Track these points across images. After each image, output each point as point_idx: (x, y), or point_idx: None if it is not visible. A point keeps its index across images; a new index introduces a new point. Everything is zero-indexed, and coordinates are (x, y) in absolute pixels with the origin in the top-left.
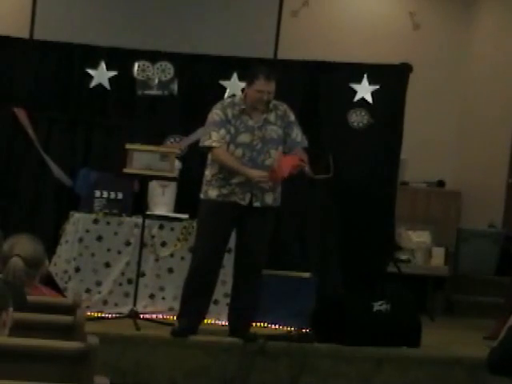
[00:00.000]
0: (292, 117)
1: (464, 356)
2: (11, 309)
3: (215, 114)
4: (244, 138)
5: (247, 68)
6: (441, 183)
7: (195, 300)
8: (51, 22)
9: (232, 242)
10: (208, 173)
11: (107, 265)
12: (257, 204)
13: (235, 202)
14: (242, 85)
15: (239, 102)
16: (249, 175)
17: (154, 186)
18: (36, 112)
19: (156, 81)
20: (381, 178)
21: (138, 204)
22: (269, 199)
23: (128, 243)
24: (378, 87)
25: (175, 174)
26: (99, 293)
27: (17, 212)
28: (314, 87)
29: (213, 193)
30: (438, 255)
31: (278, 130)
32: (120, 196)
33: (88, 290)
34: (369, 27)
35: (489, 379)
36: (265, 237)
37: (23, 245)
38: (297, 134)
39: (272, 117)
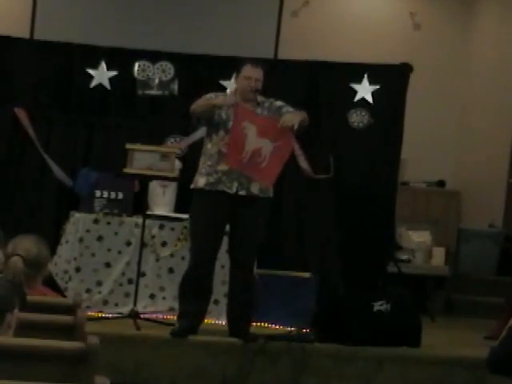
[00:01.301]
0: (280, 103)
1: (464, 356)
2: (16, 310)
3: (207, 95)
4: None
5: None
6: (441, 183)
7: (194, 300)
8: (51, 21)
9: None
10: (200, 163)
11: (107, 265)
12: (242, 193)
13: (222, 190)
14: None
15: (230, 95)
16: (217, 102)
17: (154, 185)
18: (36, 112)
19: (156, 81)
20: (381, 177)
21: (138, 204)
22: (255, 189)
23: (128, 243)
24: (378, 87)
25: (175, 174)
26: (99, 293)
27: (17, 212)
28: (313, 87)
29: (201, 181)
30: (438, 255)
31: None
32: (120, 196)
33: (88, 290)
34: (369, 27)
35: (489, 379)
36: (255, 229)
37: (26, 245)
38: (287, 109)
39: (259, 110)
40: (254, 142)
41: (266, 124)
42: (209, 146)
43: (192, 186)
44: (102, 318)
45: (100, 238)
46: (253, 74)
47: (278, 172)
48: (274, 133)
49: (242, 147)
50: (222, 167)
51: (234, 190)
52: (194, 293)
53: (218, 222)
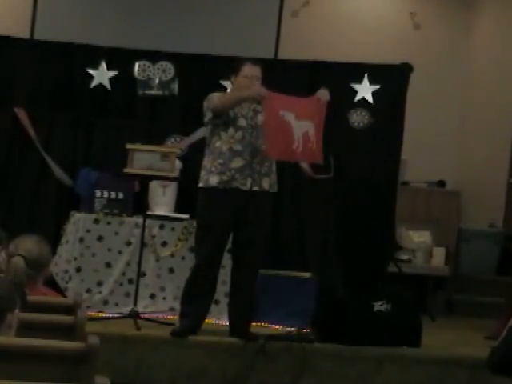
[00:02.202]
0: None
1: (464, 356)
2: (17, 311)
3: (213, 94)
4: (242, 122)
5: None
6: (441, 183)
7: (197, 300)
8: (52, 21)
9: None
10: (206, 161)
11: (108, 265)
12: (256, 188)
13: (237, 188)
14: None
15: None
16: (248, 93)
17: (154, 185)
18: (36, 112)
19: (156, 81)
20: (381, 177)
21: (138, 204)
22: (265, 184)
23: (129, 243)
24: (378, 87)
25: (176, 173)
26: (100, 293)
27: (17, 212)
28: (314, 87)
29: (213, 180)
30: (439, 255)
31: None
32: (121, 196)
33: (89, 290)
34: (369, 27)
35: (489, 379)
36: (263, 226)
37: (28, 245)
38: None
39: (259, 107)
40: (299, 127)
41: (299, 104)
42: (217, 144)
43: (201, 185)
44: (102, 317)
45: (100, 238)
46: (252, 73)
47: (322, 145)
48: (308, 111)
49: (291, 137)
50: (235, 164)
51: (249, 186)
52: (198, 293)
53: (228, 221)
